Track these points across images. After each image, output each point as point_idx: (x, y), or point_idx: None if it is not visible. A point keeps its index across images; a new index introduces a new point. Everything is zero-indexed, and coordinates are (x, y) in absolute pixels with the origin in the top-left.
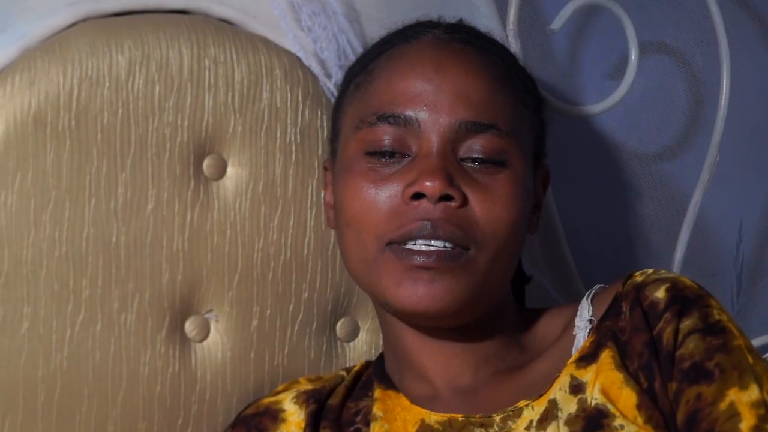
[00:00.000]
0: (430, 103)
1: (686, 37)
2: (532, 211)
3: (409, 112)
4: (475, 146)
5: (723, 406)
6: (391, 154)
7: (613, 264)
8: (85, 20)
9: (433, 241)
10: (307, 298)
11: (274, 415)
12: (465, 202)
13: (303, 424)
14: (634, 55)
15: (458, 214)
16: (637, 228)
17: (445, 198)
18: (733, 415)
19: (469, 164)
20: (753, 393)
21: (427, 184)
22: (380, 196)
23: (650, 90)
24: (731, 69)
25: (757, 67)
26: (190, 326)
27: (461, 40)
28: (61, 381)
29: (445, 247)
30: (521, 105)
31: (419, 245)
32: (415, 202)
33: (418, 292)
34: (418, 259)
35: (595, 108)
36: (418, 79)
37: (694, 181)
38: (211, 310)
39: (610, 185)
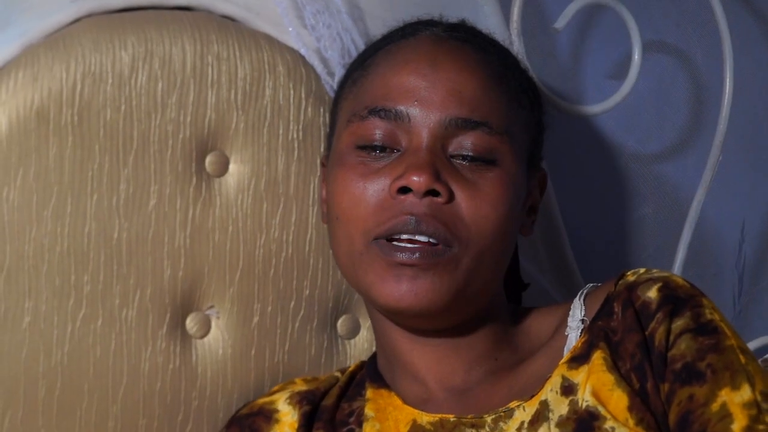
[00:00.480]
0: (421, 99)
1: (689, 36)
2: (526, 213)
3: (401, 107)
4: (465, 143)
5: (715, 407)
6: (382, 149)
7: (614, 264)
8: (88, 16)
9: (417, 236)
10: (309, 295)
11: (268, 415)
12: (451, 198)
13: (296, 425)
14: (637, 55)
15: (444, 210)
16: (639, 228)
17: (431, 193)
18: (726, 415)
19: (459, 161)
20: (745, 393)
21: (414, 178)
22: (369, 190)
23: (653, 89)
24: (734, 68)
25: (761, 66)
26: (191, 322)
27: (459, 38)
28: (61, 376)
29: (429, 242)
30: (516, 105)
31: (404, 241)
32: (402, 197)
33: (401, 289)
34: (402, 256)
35: (598, 107)
36: (412, 74)
37: (696, 181)
38: (212, 307)
39: (612, 185)
